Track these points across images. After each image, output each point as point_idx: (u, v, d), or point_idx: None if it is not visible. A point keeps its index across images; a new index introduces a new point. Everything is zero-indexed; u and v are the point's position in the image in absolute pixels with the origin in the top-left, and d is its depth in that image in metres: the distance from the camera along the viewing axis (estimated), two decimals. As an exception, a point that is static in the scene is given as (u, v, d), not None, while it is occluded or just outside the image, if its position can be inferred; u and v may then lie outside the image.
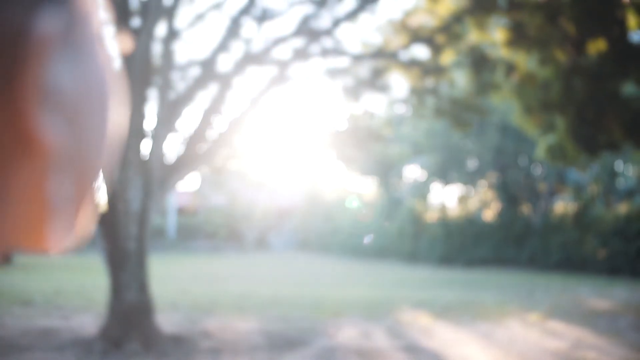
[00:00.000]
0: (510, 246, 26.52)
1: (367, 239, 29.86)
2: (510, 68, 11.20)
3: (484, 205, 29.73)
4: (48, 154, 0.37)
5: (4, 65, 0.34)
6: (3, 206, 0.37)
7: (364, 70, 11.86)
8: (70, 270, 19.06)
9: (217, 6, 9.72)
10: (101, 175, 0.44)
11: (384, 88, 12.35)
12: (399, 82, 14.71)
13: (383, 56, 10.78)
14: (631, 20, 9.19)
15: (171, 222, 35.74)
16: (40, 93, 0.35)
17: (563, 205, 26.83)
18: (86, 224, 0.44)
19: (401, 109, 25.51)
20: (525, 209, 27.82)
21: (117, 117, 0.45)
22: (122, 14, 8.08)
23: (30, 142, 0.36)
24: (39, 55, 0.35)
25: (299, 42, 9.66)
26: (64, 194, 0.40)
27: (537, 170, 27.55)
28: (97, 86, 0.41)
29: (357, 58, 10.39)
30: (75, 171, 0.40)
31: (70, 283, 15.21)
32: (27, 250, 0.41)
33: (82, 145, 0.40)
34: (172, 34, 8.68)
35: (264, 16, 9.60)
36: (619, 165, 26.48)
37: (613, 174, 26.20)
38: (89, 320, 10.17)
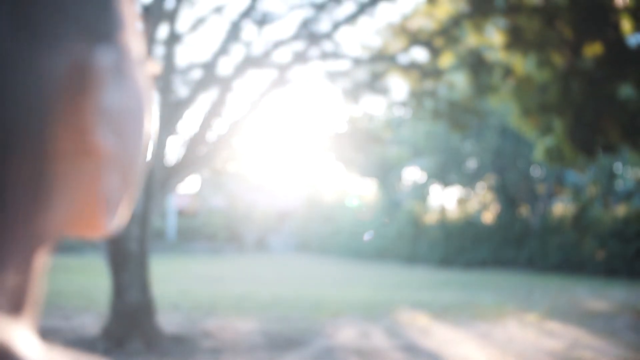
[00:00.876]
0: (509, 247, 26.61)
1: (367, 236, 29.92)
2: (507, 71, 11.30)
3: (483, 207, 29.82)
4: (103, 158, 0.48)
5: (74, 92, 0.45)
6: (67, 200, 0.48)
7: (364, 72, 11.96)
8: (71, 271, 19.15)
9: (218, 10, 9.82)
10: (139, 173, 0.55)
11: (383, 90, 12.45)
12: (398, 85, 14.83)
13: (382, 59, 10.88)
14: (626, 24, 9.29)
15: (171, 224, 35.84)
16: (98, 112, 0.47)
17: (561, 207, 26.92)
18: (126, 212, 0.55)
19: (400, 111, 25.60)
20: (524, 210, 27.92)
21: (150, 127, 0.56)
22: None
23: (91, 149, 0.47)
24: (98, 83, 0.46)
25: (299, 45, 9.76)
26: (113, 189, 0.51)
27: (536, 172, 27.64)
28: (137, 104, 0.53)
29: (357, 61, 10.48)
30: (121, 171, 0.51)
31: (70, 284, 15.31)
32: (83, 235, 0.52)
33: (127, 151, 0.51)
34: (174, 38, 8.78)
35: (264, 20, 9.70)
36: (618, 167, 26.59)
37: (612, 176, 26.29)
38: (90, 320, 10.27)
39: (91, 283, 15.42)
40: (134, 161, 0.53)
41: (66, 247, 27.59)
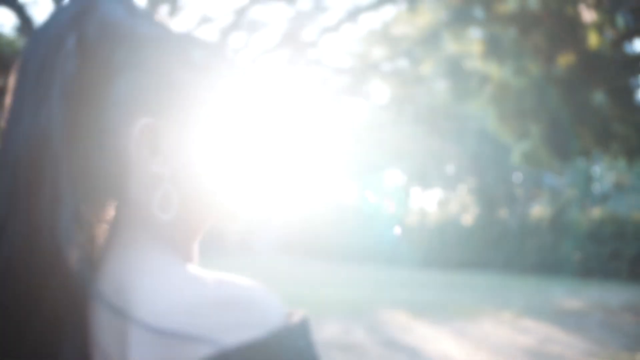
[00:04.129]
0: (488, 249, 27.02)
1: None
2: (485, 78, 11.71)
3: (463, 209, 30.28)
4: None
5: (142, 145, 0.85)
6: (192, 208, 0.89)
7: (347, 78, 12.32)
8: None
9: (208, 20, 10.17)
10: None
11: (365, 95, 12.85)
12: (380, 89, 15.18)
13: (365, 67, 11.27)
14: (592, 38, 9.74)
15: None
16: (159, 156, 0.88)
17: (539, 210, 27.41)
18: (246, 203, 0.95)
19: (382, 115, 25.99)
20: (503, 213, 28.39)
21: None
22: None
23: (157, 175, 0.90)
24: (156, 141, 0.87)
25: (285, 53, 10.13)
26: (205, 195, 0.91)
27: (515, 176, 28.12)
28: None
29: (340, 70, 10.87)
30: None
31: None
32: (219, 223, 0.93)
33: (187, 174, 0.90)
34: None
35: (252, 28, 10.06)
36: (595, 170, 27.13)
37: (589, 179, 26.81)
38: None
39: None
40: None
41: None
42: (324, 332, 9.97)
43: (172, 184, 0.85)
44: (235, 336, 0.70)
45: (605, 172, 27.46)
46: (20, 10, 8.27)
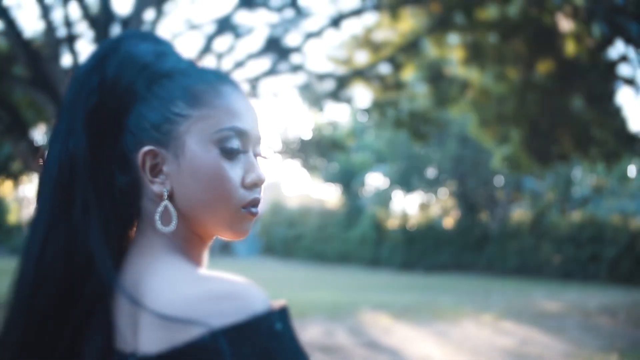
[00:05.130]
0: (469, 252, 27.24)
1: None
2: (465, 84, 11.86)
3: (444, 212, 30.49)
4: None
5: (148, 166, 1.08)
6: (203, 220, 1.08)
7: (329, 82, 12.43)
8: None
9: (195, 27, 10.26)
10: None
11: (347, 99, 12.98)
12: (362, 93, 15.31)
13: (347, 73, 11.39)
14: (570, 47, 9.93)
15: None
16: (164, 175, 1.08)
17: (520, 213, 27.66)
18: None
19: (364, 119, 26.13)
20: (484, 216, 28.63)
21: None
22: (103, 31, 8.60)
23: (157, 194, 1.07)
24: (162, 162, 1.08)
25: (268, 59, 10.25)
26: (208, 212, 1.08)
27: (496, 179, 28.35)
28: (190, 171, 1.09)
29: (323, 76, 10.98)
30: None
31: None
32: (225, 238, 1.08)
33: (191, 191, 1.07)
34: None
35: (237, 34, 10.17)
36: (575, 174, 27.40)
37: (569, 183, 27.09)
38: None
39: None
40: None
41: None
42: (307, 334, 10.09)
43: (170, 201, 1.05)
44: (223, 320, 0.88)
45: (585, 175, 27.76)
46: (3, 14, 8.32)
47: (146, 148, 1.04)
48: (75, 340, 1.02)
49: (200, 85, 1.07)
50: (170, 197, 1.05)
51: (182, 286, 0.94)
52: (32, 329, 1.01)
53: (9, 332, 1.03)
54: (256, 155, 1.11)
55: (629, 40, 9.88)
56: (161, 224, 1.04)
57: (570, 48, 9.90)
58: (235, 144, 1.06)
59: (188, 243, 1.08)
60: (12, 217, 30.31)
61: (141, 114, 1.06)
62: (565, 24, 9.85)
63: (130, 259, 1.05)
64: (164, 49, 1.10)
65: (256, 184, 1.09)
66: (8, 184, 22.64)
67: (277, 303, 0.94)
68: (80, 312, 1.01)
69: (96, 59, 1.07)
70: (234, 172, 1.06)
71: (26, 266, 1.02)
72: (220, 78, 1.09)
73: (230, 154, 1.06)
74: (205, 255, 1.13)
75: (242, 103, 1.09)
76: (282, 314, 0.93)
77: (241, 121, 1.07)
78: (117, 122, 1.06)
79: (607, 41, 9.96)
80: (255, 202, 1.09)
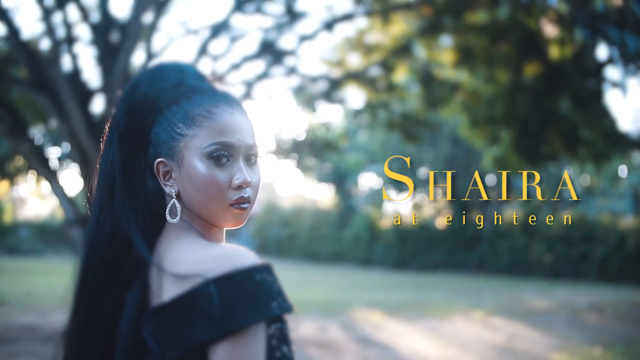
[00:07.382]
0: (461, 251, 27.44)
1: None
2: (456, 86, 12.09)
3: (437, 212, 30.72)
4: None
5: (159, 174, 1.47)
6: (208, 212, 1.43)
7: (322, 84, 12.63)
8: (35, 273, 19.42)
9: (192, 32, 10.47)
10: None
11: (340, 100, 13.21)
12: (355, 94, 15.51)
13: (340, 76, 11.61)
14: (554, 51, 10.19)
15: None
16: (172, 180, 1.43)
17: (511, 213, 27.86)
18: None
19: (357, 119, 26.29)
20: (475, 216, 28.84)
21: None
22: (104, 41, 8.82)
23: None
24: (169, 172, 1.46)
25: (263, 61, 10.48)
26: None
27: (487, 179, 28.56)
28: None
29: (316, 78, 11.21)
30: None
31: (38, 285, 15.61)
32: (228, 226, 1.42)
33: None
34: (150, 57, 9.42)
35: (233, 37, 10.39)
36: (567, 174, 27.59)
37: (559, 183, 27.28)
38: (66, 318, 10.73)
39: (60, 284, 15.74)
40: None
41: (28, 252, 27.77)
42: (301, 330, 10.32)
43: (179, 200, 1.41)
44: (216, 272, 1.23)
45: (575, 176, 28.00)
46: (3, 16, 8.52)
47: (158, 159, 1.42)
48: (121, 295, 1.38)
49: (196, 109, 1.41)
50: (179, 197, 1.41)
51: (192, 252, 1.31)
52: (89, 282, 1.41)
53: (78, 280, 1.43)
54: (248, 160, 1.45)
55: (611, 44, 10.15)
56: (169, 216, 1.41)
57: (554, 52, 10.16)
58: (222, 154, 1.38)
59: (204, 229, 1.44)
60: (7, 217, 30.39)
61: (156, 133, 1.42)
62: (550, 30, 10.11)
63: (161, 240, 1.41)
64: (182, 78, 1.45)
65: (241, 186, 1.41)
66: (4, 184, 22.80)
67: (263, 261, 1.28)
68: (124, 276, 1.38)
69: (126, 91, 1.46)
70: (222, 176, 1.39)
71: (85, 240, 1.44)
72: (215, 101, 1.43)
73: (219, 162, 1.38)
74: (222, 237, 1.49)
75: (231, 120, 1.42)
76: (264, 269, 1.27)
77: (227, 136, 1.39)
78: (144, 138, 1.43)
79: (589, 46, 10.23)
80: (241, 200, 1.41)
